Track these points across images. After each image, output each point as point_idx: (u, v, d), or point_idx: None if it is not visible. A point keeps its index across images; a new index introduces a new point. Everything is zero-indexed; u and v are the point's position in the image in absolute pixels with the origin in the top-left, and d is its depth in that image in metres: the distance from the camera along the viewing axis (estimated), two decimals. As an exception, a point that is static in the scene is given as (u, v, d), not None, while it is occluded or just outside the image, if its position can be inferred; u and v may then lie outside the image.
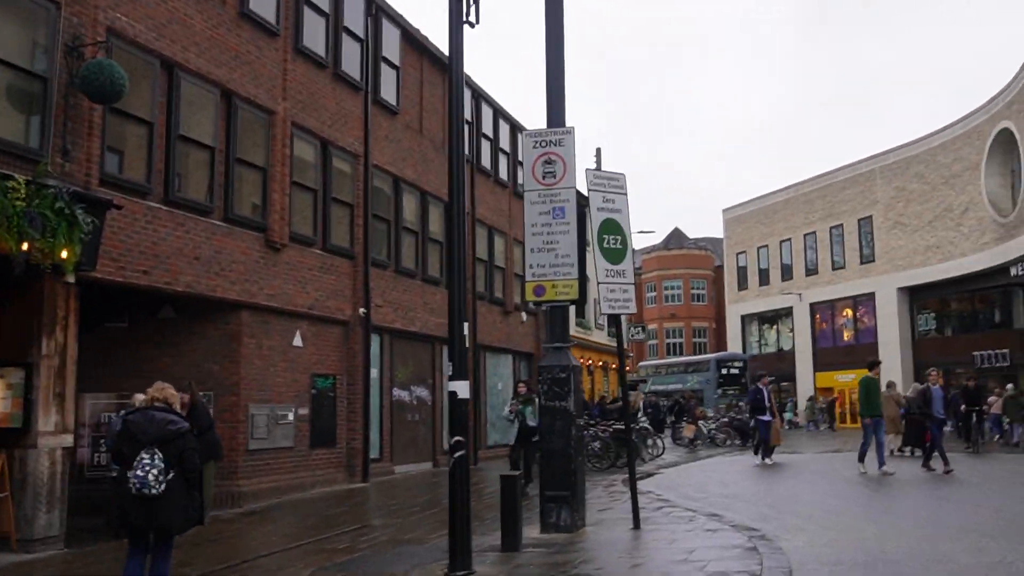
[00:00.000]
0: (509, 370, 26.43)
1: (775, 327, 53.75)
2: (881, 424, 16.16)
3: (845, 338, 48.59)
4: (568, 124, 10.61)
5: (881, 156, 45.88)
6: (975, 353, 40.59)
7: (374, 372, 18.53)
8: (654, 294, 61.84)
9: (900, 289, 44.69)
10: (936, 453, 16.23)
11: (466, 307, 22.55)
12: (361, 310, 17.73)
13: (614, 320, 10.55)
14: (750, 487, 15.17)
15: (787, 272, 51.29)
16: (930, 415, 16.51)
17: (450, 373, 8.96)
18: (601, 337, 36.58)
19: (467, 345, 9.25)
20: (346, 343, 17.60)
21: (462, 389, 8.88)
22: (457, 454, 8.67)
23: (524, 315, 27.08)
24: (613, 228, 10.56)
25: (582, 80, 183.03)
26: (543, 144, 10.50)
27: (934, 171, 42.53)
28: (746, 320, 55.13)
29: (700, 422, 29.91)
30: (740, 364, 51.79)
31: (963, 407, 21.95)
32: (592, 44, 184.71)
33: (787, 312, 51.39)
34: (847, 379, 47.00)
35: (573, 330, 32.77)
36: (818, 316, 50.05)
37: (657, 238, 64.79)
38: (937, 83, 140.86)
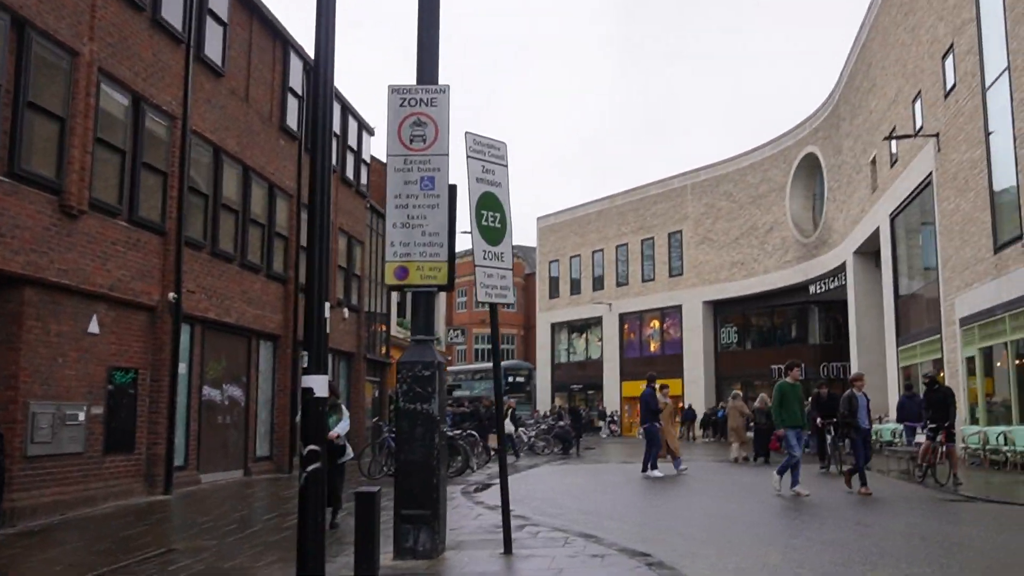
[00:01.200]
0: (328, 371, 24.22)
1: (584, 336, 53.97)
2: (800, 436, 14.15)
3: (652, 348, 49.34)
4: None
5: (692, 173, 46.92)
6: (773, 366, 41.98)
7: (182, 367, 16.02)
8: (465, 299, 60.76)
9: (706, 302, 45.79)
10: (858, 469, 14.10)
11: (292, 301, 20.53)
12: (171, 295, 15.22)
13: (490, 310, 8.92)
14: (606, 500, 13.94)
15: (598, 282, 51.58)
16: (855, 425, 14.30)
17: (305, 365, 7.12)
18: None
19: (327, 331, 7.44)
20: (152, 333, 15.02)
21: (320, 385, 7.06)
22: (310, 467, 6.85)
23: (346, 311, 25.00)
24: (492, 203, 8.98)
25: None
26: (412, 103, 8.75)
27: (742, 190, 43.84)
28: (556, 328, 55.06)
29: (520, 430, 28.85)
30: (525, 373, 51.93)
31: (819, 420, 18.95)
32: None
33: (597, 321, 51.66)
34: (652, 389, 47.68)
35: (395, 330, 30.89)
36: (627, 326, 50.58)
37: (471, 243, 63.83)
38: (737, 113, 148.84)
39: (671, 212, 47.67)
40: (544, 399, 54.20)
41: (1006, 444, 18.09)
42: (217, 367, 17.68)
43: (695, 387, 45.57)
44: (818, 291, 38.90)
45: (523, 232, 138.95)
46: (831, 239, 36.89)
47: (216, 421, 17.63)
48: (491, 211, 9.06)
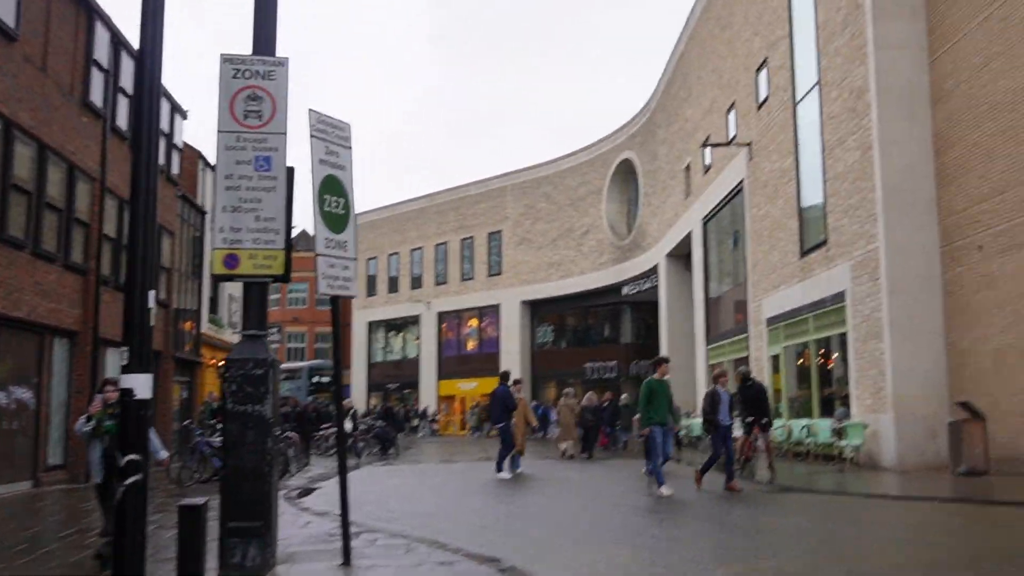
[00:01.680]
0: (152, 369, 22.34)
1: (401, 335, 53.27)
2: (669, 436, 13.85)
3: (469, 347, 49.29)
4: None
5: (513, 174, 47.24)
6: (587, 365, 42.92)
7: (-39, 366, 14.25)
8: (277, 296, 58.63)
9: (523, 302, 46.20)
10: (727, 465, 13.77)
11: (93, 294, 18.76)
12: (-50, 285, 13.48)
13: (332, 304, 8.27)
14: (440, 502, 13.42)
15: (417, 281, 51.04)
16: (715, 422, 13.79)
17: (124, 363, 6.26)
18: (234, 338, 33.08)
19: (152, 323, 6.60)
20: (-75, 326, 13.25)
21: (143, 386, 6.24)
22: (130, 479, 6.03)
23: (153, 304, 23.17)
24: (335, 188, 8.31)
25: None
26: (247, 75, 7.94)
27: (561, 193, 44.53)
28: (373, 327, 54.07)
29: (340, 430, 27.90)
30: (331, 372, 50.74)
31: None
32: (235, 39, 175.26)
33: (415, 320, 51.11)
34: (469, 387, 47.70)
35: (205, 327, 29.16)
36: (445, 325, 50.30)
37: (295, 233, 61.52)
38: (559, 118, 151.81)
39: (491, 212, 47.80)
40: (359, 399, 53.06)
41: (808, 436, 19.01)
42: (2, 367, 15.87)
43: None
44: (631, 292, 40.00)
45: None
46: (644, 242, 38.01)
47: (0, 427, 15.82)
48: (334, 196, 8.39)
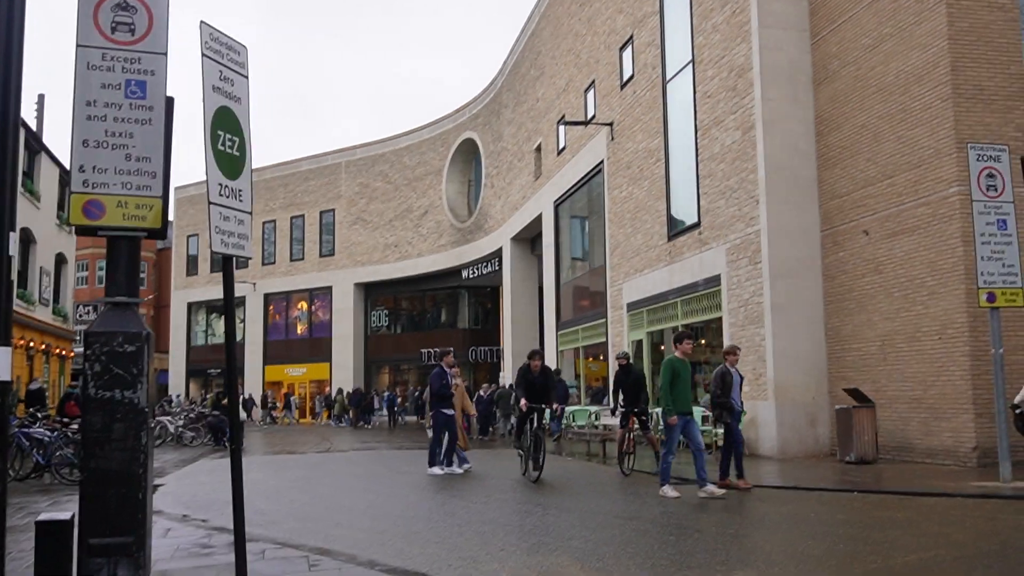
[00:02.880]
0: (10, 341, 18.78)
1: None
2: (694, 425, 11.01)
3: (299, 331, 46.52)
4: None
5: (348, 151, 44.81)
6: (423, 350, 41.35)
7: None
8: (86, 274, 53.42)
9: (357, 284, 43.99)
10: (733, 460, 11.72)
11: None
12: None
13: (224, 266, 6.33)
14: (312, 500, 11.29)
15: (242, 260, 47.59)
16: (729, 406, 11.66)
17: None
18: (46, 315, 29.12)
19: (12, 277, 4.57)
20: None
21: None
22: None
23: (15, 249, 19.62)
24: (231, 123, 6.35)
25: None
26: (114, -24, 5.88)
27: (399, 172, 42.58)
28: (193, 308, 50.15)
29: (167, 419, 25.07)
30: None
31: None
32: None
33: (239, 302, 47.67)
34: (298, 373, 45.03)
35: (17, 305, 25.40)
36: (272, 307, 47.27)
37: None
38: (397, 96, 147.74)
39: (324, 190, 45.18)
40: (178, 384, 49.14)
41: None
42: None
43: (343, 371, 43.61)
44: (471, 276, 38.71)
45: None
46: (487, 225, 36.75)
47: None
48: (229, 133, 6.41)
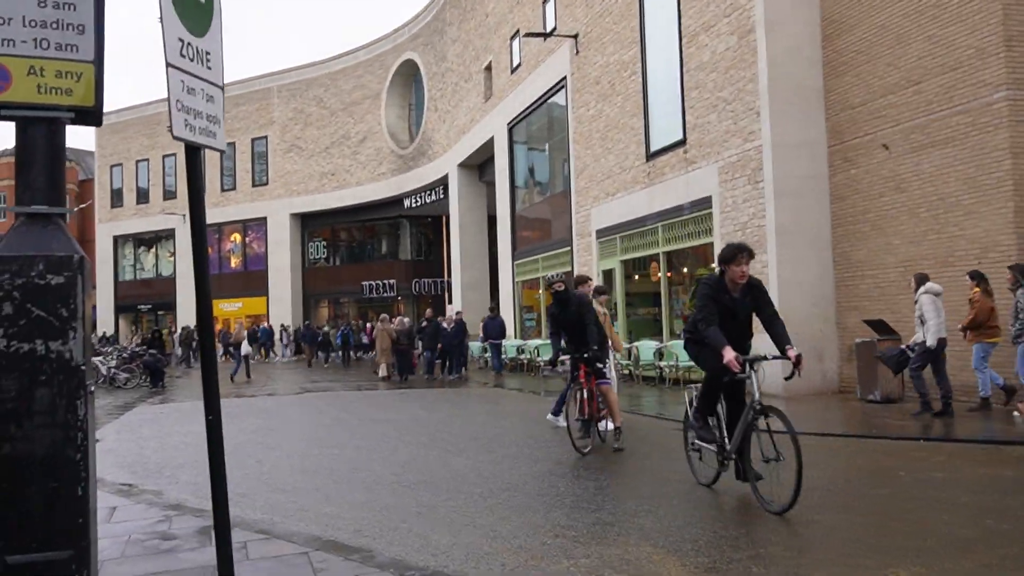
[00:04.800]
0: None
1: (153, 250, 46.17)
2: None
3: (233, 264, 43.46)
4: None
5: (280, 75, 41.32)
6: (364, 283, 38.97)
7: None
8: (4, 206, 49.05)
9: (293, 215, 41.04)
10: None
11: None
12: None
13: (188, 158, 3.98)
14: (286, 461, 8.90)
15: (171, 191, 44.04)
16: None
17: None
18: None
19: None
20: None
21: None
22: None
23: None
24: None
25: None
26: None
27: (334, 96, 39.43)
28: (120, 242, 46.47)
29: (98, 359, 22.39)
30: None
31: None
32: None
33: (169, 234, 44.28)
34: (234, 308, 42.21)
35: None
36: (203, 240, 43.95)
37: (7, 143, 51.61)
38: (334, 17, 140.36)
39: (255, 116, 41.71)
40: (106, 321, 45.75)
41: (662, 359, 16.49)
42: None
43: (281, 305, 40.90)
44: (413, 205, 36.19)
45: (77, 134, 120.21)
46: (431, 151, 34.13)
47: None
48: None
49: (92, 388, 3.44)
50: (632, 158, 18.10)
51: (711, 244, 15.25)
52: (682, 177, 16.17)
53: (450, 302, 33.13)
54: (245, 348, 24.55)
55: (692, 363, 14.74)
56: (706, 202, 15.38)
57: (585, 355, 9.03)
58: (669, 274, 17.20)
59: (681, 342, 15.15)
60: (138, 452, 10.32)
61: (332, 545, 5.35)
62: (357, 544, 5.40)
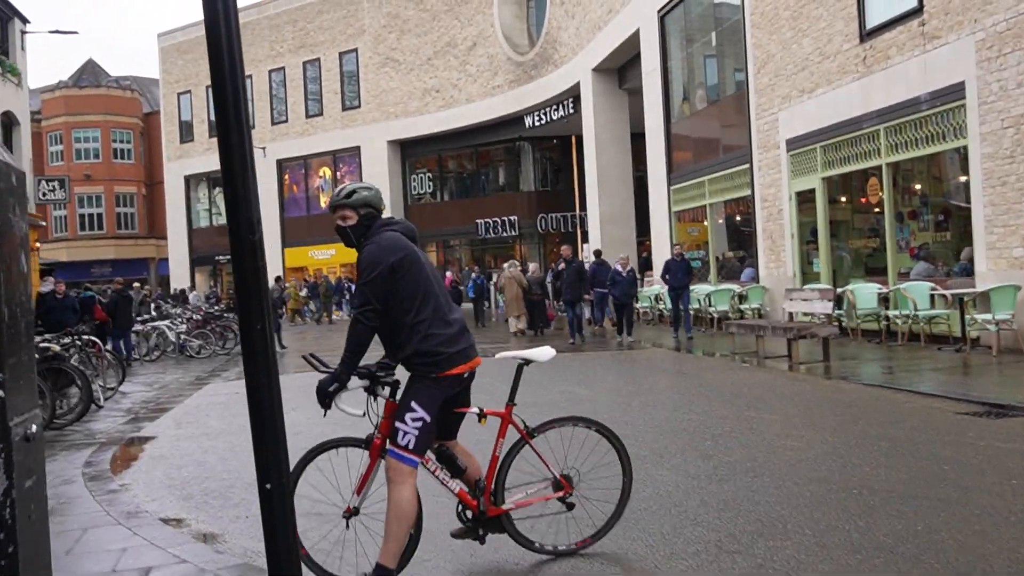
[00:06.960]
0: None
1: (231, 191, 46.32)
2: None
3: (323, 204, 42.95)
4: None
5: (370, -28, 40.25)
6: (478, 220, 37.97)
7: None
8: (61, 148, 50.05)
9: (391, 142, 40.26)
10: None
11: None
12: None
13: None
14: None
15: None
16: None
17: None
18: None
19: None
20: None
21: None
22: None
23: None
24: None
25: None
26: None
27: (437, -5, 38.14)
28: (192, 182, 46.76)
29: (165, 323, 21.89)
30: None
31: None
32: None
33: (248, 171, 44.18)
34: (325, 256, 41.86)
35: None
36: (288, 177, 43.74)
37: (64, 72, 52.50)
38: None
39: (342, 25, 40.82)
40: (181, 276, 46.31)
41: (894, 308, 14.49)
42: None
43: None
44: (536, 123, 34.60)
45: (139, 58, 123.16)
46: (557, 55, 32.35)
47: None
48: None
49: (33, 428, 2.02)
50: (839, 40, 15.93)
51: (962, 148, 13.07)
52: (917, 59, 13.97)
53: (585, 241, 31.58)
54: None
55: (937, 313, 12.83)
56: (956, 91, 13.16)
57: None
58: (895, 193, 15.11)
59: (918, 284, 13.22)
60: (199, 459, 8.64)
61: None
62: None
